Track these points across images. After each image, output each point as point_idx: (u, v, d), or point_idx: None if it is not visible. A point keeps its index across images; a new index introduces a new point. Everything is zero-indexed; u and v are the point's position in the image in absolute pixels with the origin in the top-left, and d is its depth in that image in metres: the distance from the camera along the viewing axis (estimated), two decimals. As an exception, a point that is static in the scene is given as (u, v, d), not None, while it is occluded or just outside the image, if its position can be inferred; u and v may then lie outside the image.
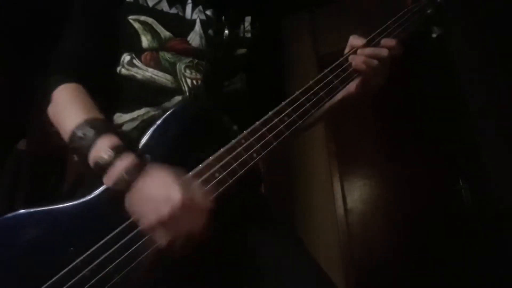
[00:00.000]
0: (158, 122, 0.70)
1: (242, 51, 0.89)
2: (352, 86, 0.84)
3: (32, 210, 0.63)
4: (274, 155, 0.71)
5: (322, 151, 2.78)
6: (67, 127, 0.69)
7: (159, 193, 0.60)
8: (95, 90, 0.77)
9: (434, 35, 0.97)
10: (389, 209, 2.49)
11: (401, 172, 2.51)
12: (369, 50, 0.81)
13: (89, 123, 0.67)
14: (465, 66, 2.51)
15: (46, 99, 0.77)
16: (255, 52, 0.91)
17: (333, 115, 0.96)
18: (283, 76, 1.05)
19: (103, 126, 0.68)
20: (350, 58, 0.82)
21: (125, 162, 0.63)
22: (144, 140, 0.69)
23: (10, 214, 0.62)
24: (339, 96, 0.83)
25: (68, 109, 0.73)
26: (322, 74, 0.80)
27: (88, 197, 0.65)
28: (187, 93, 0.79)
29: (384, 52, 0.81)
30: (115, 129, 0.73)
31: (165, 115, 0.71)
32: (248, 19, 0.91)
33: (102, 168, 0.63)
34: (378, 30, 0.86)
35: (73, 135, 0.67)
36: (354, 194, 2.64)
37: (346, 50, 0.85)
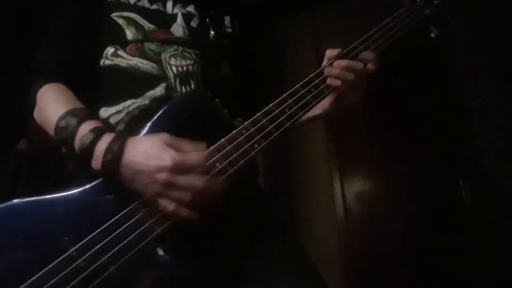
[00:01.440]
0: (157, 114, 0.70)
1: (225, 41, 0.92)
2: (325, 103, 0.84)
3: (27, 199, 0.63)
4: (274, 146, 0.72)
5: (322, 151, 2.78)
6: (52, 121, 0.69)
7: (149, 164, 0.60)
8: (79, 88, 0.78)
9: (432, 35, 0.98)
10: (389, 209, 2.48)
11: (401, 172, 2.51)
12: (344, 63, 0.80)
13: (71, 113, 0.68)
14: (465, 65, 2.51)
15: (31, 104, 0.78)
16: (237, 45, 0.94)
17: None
18: (261, 67, 1.09)
19: (84, 114, 0.69)
20: (326, 70, 0.82)
21: (106, 141, 0.63)
22: (144, 131, 0.69)
23: (4, 204, 0.62)
24: (315, 111, 0.84)
25: (51, 105, 0.73)
26: (323, 66, 0.81)
27: (84, 187, 0.65)
28: (172, 79, 0.80)
29: (359, 65, 0.80)
30: (97, 116, 0.73)
31: (164, 107, 0.71)
32: (227, 18, 0.95)
33: (87, 153, 0.63)
34: (376, 28, 0.87)
35: (57, 127, 0.68)
36: (354, 194, 2.64)
37: (324, 63, 0.85)
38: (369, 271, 2.43)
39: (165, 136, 0.64)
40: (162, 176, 0.59)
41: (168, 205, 0.61)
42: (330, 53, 0.83)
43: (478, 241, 2.19)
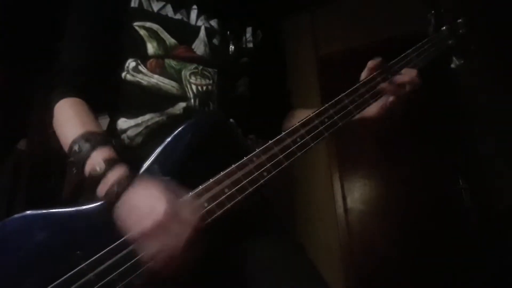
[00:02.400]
0: (172, 135, 0.71)
1: (245, 59, 0.90)
2: (372, 110, 0.83)
3: (41, 211, 0.64)
4: (284, 173, 0.72)
5: (322, 151, 2.78)
6: (66, 142, 0.71)
7: (143, 205, 0.62)
8: (98, 97, 0.80)
9: (453, 66, 0.97)
10: (389, 209, 2.49)
11: (401, 172, 2.51)
12: (405, 77, 0.82)
13: (85, 137, 0.70)
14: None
15: (49, 114, 0.79)
16: (257, 60, 0.92)
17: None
18: (286, 80, 1.07)
19: (98, 139, 0.70)
20: (381, 86, 0.82)
21: (117, 174, 0.65)
22: (156, 152, 0.70)
23: (18, 215, 0.63)
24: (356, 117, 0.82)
25: (66, 124, 0.75)
26: (338, 97, 0.80)
27: (97, 204, 0.66)
28: (192, 99, 0.80)
29: (415, 79, 0.83)
30: (111, 142, 0.74)
31: (179, 129, 0.71)
32: (249, 29, 0.93)
33: (96, 180, 0.66)
34: (397, 58, 0.86)
35: (70, 149, 0.70)
36: (354, 194, 2.64)
37: (364, 76, 0.84)
38: (369, 271, 2.43)
39: (167, 185, 0.65)
40: (146, 224, 0.60)
41: (145, 250, 0.61)
42: (371, 63, 0.84)
43: (478, 241, 2.19)
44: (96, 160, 0.67)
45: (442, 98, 2.52)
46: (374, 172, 2.64)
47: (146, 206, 0.61)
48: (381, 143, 2.63)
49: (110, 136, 0.80)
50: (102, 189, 0.65)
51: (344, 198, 2.64)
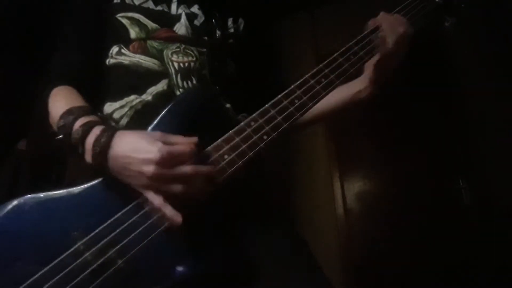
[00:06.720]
0: (160, 114, 0.70)
1: (230, 41, 0.93)
2: (365, 79, 0.87)
3: (38, 194, 0.63)
4: (284, 137, 0.70)
5: (322, 151, 2.78)
6: (54, 122, 0.71)
7: (135, 156, 0.60)
8: (87, 87, 0.80)
9: (447, 24, 0.96)
10: (389, 209, 2.49)
11: (401, 172, 2.51)
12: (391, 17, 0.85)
13: (68, 111, 0.69)
14: (466, 65, 2.51)
15: (44, 105, 0.79)
16: (241, 43, 0.95)
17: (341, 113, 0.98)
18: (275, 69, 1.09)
19: (80, 110, 0.69)
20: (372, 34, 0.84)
21: (94, 134, 0.63)
22: (151, 127, 0.69)
23: (15, 199, 0.62)
24: (351, 89, 0.87)
25: (55, 108, 0.75)
26: (332, 57, 0.80)
27: (93, 182, 0.65)
28: (173, 75, 0.81)
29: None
30: (94, 112, 0.73)
31: (167, 107, 0.70)
32: (230, 19, 0.96)
33: (79, 147, 0.64)
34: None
35: (57, 127, 0.69)
36: (354, 194, 2.64)
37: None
38: (369, 270, 2.43)
39: (154, 131, 0.65)
40: (149, 169, 0.59)
41: (154, 199, 0.61)
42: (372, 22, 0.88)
43: (478, 241, 2.19)
44: (75, 128, 0.65)
45: (442, 97, 2.52)
46: (374, 172, 2.64)
47: (138, 153, 0.60)
48: (381, 142, 2.63)
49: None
50: (88, 154, 0.63)
51: (344, 198, 2.64)
